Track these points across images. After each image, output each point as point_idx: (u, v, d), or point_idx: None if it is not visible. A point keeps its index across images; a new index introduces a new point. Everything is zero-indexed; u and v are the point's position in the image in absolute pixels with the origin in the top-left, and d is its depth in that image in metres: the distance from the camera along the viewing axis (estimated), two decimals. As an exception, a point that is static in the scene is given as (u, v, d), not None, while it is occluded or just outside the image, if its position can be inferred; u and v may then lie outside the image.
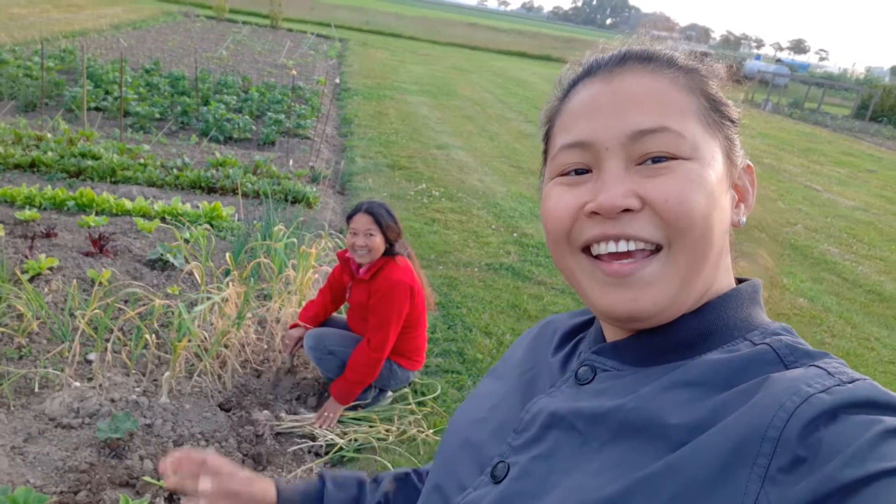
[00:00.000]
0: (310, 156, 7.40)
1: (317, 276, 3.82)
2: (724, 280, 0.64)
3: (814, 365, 0.53)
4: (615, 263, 0.59)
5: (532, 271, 4.97)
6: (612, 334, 0.67)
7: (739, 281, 0.66)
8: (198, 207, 4.98)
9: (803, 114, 23.32)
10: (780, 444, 0.47)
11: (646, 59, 0.63)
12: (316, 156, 7.37)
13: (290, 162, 6.97)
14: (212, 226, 4.71)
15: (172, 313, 3.42)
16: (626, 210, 0.58)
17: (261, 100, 9.38)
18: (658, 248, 0.59)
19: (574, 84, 0.67)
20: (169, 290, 3.71)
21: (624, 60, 0.63)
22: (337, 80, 8.23)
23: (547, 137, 0.71)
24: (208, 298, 3.17)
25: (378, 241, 2.90)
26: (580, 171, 0.62)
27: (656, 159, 0.58)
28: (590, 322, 0.76)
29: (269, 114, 8.54)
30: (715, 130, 0.61)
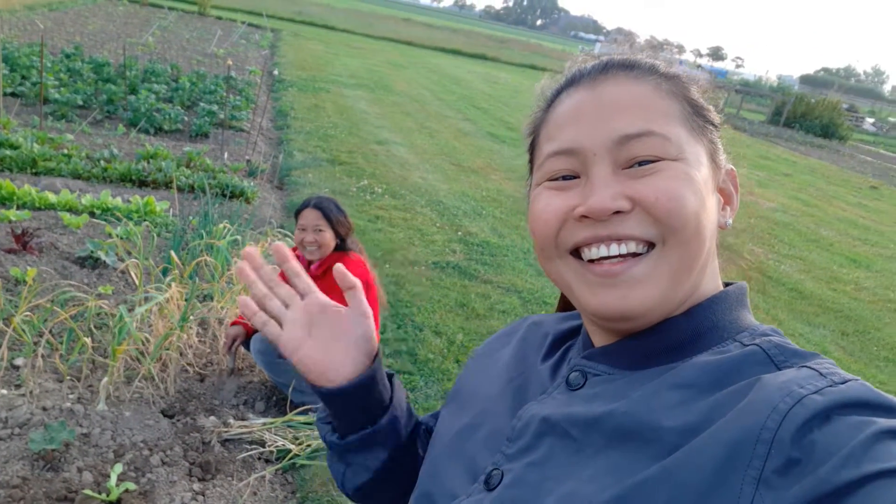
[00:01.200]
0: (245, 149, 7.17)
1: (262, 275, 3.69)
2: (711, 283, 0.64)
3: (805, 366, 0.53)
4: (605, 263, 0.59)
5: (478, 270, 4.97)
6: (600, 339, 0.66)
7: (726, 284, 0.67)
8: (129, 202, 4.72)
9: (724, 118, 24.31)
10: (774, 446, 0.47)
11: (628, 67, 0.63)
12: (252, 149, 7.14)
13: (226, 155, 6.73)
14: (145, 222, 4.48)
15: (107, 314, 3.23)
16: (617, 212, 0.58)
17: (192, 90, 9.01)
18: (650, 247, 0.59)
19: (558, 93, 0.68)
20: (101, 290, 3.50)
21: (607, 69, 0.64)
22: (276, 72, 7.98)
23: (532, 148, 0.71)
24: (147, 299, 3.01)
25: (328, 237, 2.82)
26: (568, 178, 0.63)
27: (643, 162, 0.59)
28: (580, 328, 0.75)
29: (201, 104, 8.22)
30: (699, 134, 0.62)
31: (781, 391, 0.50)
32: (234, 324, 3.10)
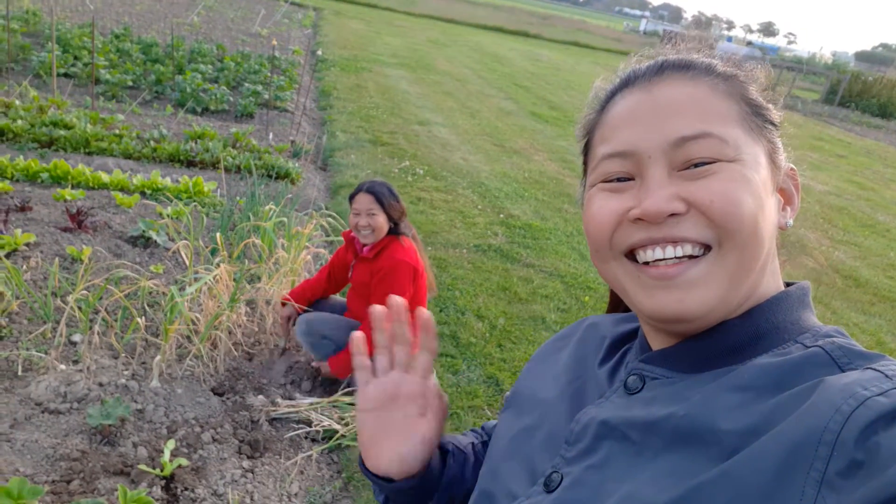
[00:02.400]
0: (290, 129, 7.23)
1: (309, 256, 3.74)
2: (771, 283, 0.63)
3: (870, 367, 0.52)
4: (661, 266, 0.59)
5: (520, 253, 4.94)
6: (657, 342, 0.66)
7: (787, 284, 0.65)
8: (178, 182, 4.82)
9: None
10: (837, 448, 0.47)
11: (684, 68, 0.63)
12: (296, 130, 7.20)
13: (270, 135, 6.80)
14: (193, 202, 4.57)
15: (159, 293, 3.32)
16: (672, 215, 0.58)
17: (237, 70, 9.11)
18: (707, 249, 0.58)
19: (612, 95, 0.67)
20: (153, 269, 3.59)
21: (662, 69, 0.63)
22: (319, 52, 7.99)
23: (586, 149, 0.71)
24: (197, 279, 3.07)
25: (381, 221, 2.84)
26: (623, 179, 0.63)
27: (699, 164, 0.59)
28: (637, 330, 0.75)
29: (245, 84, 8.30)
30: (757, 135, 0.61)
31: (844, 393, 0.49)
32: (284, 301, 3.16)
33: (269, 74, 8.78)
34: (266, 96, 7.92)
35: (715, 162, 0.58)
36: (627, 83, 0.65)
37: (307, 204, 5.08)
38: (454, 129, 8.72)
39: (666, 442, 0.56)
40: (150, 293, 3.30)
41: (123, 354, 2.88)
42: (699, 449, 0.53)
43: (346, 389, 2.93)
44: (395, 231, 2.90)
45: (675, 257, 0.58)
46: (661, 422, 0.57)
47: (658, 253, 0.59)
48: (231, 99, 7.72)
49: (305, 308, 3.12)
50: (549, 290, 4.42)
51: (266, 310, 3.43)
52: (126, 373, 2.79)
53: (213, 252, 3.65)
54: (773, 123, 0.63)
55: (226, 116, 7.32)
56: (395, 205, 2.86)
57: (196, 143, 5.77)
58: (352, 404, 2.92)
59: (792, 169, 0.65)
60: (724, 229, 0.57)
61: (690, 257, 0.58)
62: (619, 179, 0.63)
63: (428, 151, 7.32)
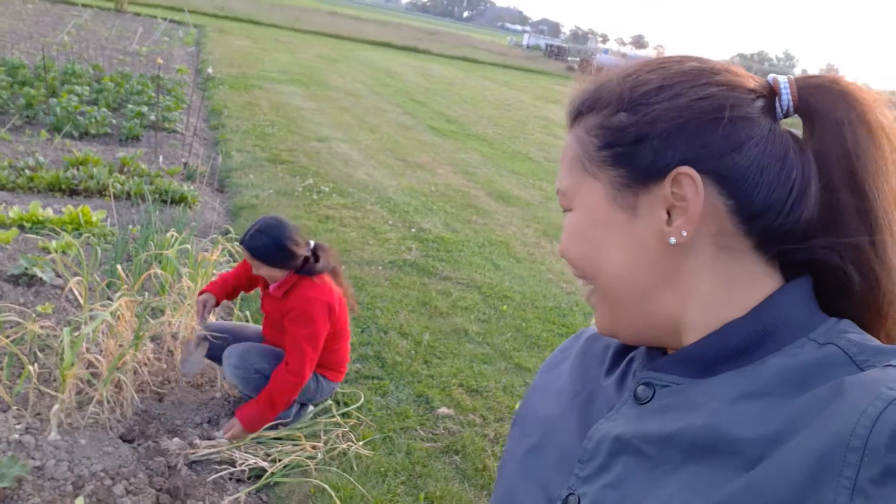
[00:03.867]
0: (181, 151, 6.86)
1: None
2: (757, 287, 0.58)
3: (890, 365, 0.50)
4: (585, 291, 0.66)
5: (436, 266, 4.90)
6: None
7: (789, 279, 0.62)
8: (62, 213, 4.42)
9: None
10: (867, 454, 0.44)
11: (570, 115, 0.66)
12: (188, 151, 6.83)
13: (161, 158, 6.41)
14: (81, 234, 4.20)
15: (50, 336, 3.00)
16: None
17: (117, 90, 8.54)
18: None
19: None
20: (41, 310, 3.25)
21: (569, 122, 0.67)
22: (210, 71, 7.61)
23: None
24: (93, 317, 2.80)
25: (270, 272, 2.69)
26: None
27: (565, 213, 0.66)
28: None
29: (129, 105, 7.80)
30: (597, 169, 0.61)
31: (869, 394, 0.47)
32: (201, 293, 2.93)
33: (153, 95, 8.30)
34: (153, 117, 7.47)
35: (566, 212, 0.64)
36: None
37: (207, 229, 4.81)
38: (355, 145, 8.60)
39: (684, 455, 0.54)
40: (40, 336, 2.98)
41: (15, 407, 2.57)
42: (720, 460, 0.51)
43: (269, 425, 2.76)
44: (302, 270, 2.72)
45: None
46: (678, 434, 0.55)
47: None
48: (114, 121, 7.22)
49: (215, 337, 2.87)
50: (468, 302, 4.40)
51: (174, 344, 3.19)
52: (19, 427, 2.49)
53: (110, 286, 3.36)
54: (623, 144, 0.59)
55: (109, 140, 6.84)
56: (278, 255, 2.63)
57: (78, 169, 5.33)
58: (277, 439, 2.75)
59: (683, 174, 0.56)
60: (582, 274, 0.64)
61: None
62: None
63: (331, 168, 7.16)
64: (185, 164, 6.25)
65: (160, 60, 7.37)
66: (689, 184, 0.56)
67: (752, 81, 0.59)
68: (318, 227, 5.29)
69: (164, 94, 8.93)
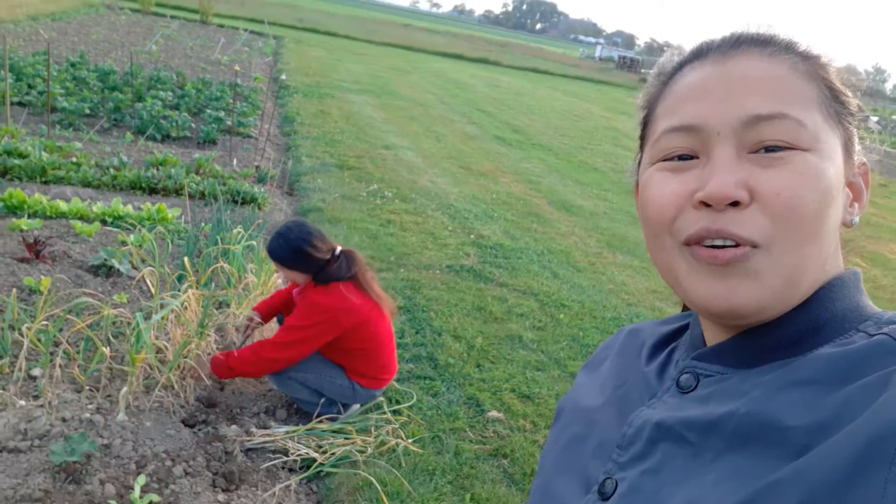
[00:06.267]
0: (254, 155, 7.13)
1: (280, 280, 3.64)
2: (828, 273, 0.59)
3: None
4: (719, 252, 0.54)
5: (493, 273, 4.91)
6: (713, 336, 0.62)
7: None
8: (140, 209, 4.68)
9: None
10: None
11: (763, 43, 0.58)
12: (261, 155, 7.10)
13: (234, 161, 6.69)
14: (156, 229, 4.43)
15: (123, 323, 3.18)
16: (735, 203, 0.53)
17: (198, 96, 8.98)
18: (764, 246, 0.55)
19: (680, 67, 0.62)
20: (116, 298, 3.45)
21: (739, 43, 0.58)
22: (283, 77, 7.91)
23: (645, 123, 0.66)
24: (163, 306, 2.95)
25: (290, 274, 2.79)
26: (684, 157, 0.58)
27: (771, 148, 0.54)
28: (682, 329, 0.71)
29: (207, 111, 8.18)
30: (835, 122, 0.56)
31: None
32: (254, 309, 3.09)
33: (231, 101, 8.68)
34: (229, 122, 7.81)
35: (789, 149, 0.54)
36: (699, 55, 0.60)
37: (275, 228, 4.98)
38: (420, 153, 8.72)
39: (727, 442, 0.52)
40: (114, 323, 3.16)
41: (87, 387, 2.74)
42: (764, 448, 0.50)
43: (323, 416, 2.83)
44: (318, 277, 2.76)
45: (733, 245, 0.53)
46: (721, 421, 0.53)
47: (717, 242, 0.54)
48: (193, 125, 7.59)
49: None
50: (524, 309, 4.39)
51: (236, 336, 3.32)
52: (90, 406, 2.65)
53: (180, 278, 3.53)
54: (851, 112, 0.58)
55: (188, 143, 7.19)
56: (296, 260, 2.70)
57: (158, 169, 5.63)
58: (330, 431, 2.82)
59: (864, 163, 0.60)
60: (785, 226, 0.53)
61: (752, 246, 0.53)
62: (681, 157, 0.58)
63: (395, 175, 7.29)
64: (258, 167, 6.49)
65: (237, 68, 7.71)
66: (865, 175, 0.61)
67: None
68: (380, 230, 5.40)
69: (240, 101, 9.31)
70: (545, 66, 34.53)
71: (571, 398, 0.75)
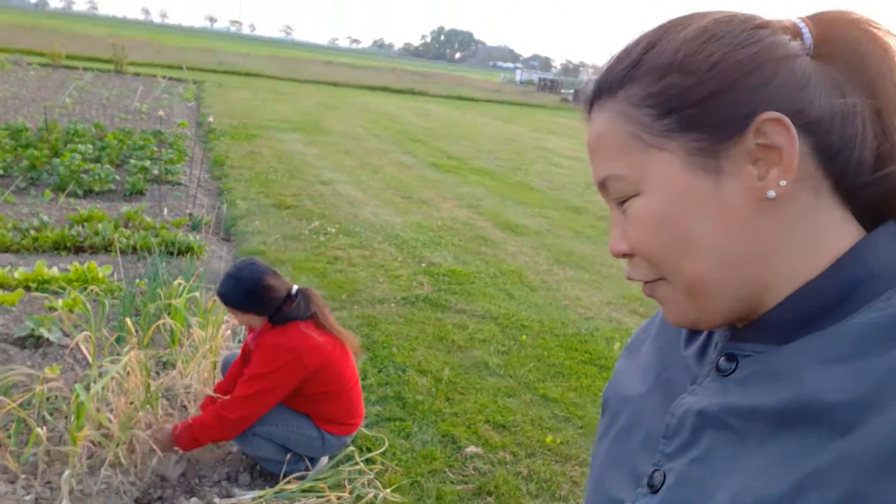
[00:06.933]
0: (185, 202, 6.83)
1: (229, 331, 3.41)
2: (835, 239, 0.54)
3: None
4: (644, 287, 0.61)
5: (449, 300, 4.79)
6: None
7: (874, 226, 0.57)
8: (67, 270, 4.35)
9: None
10: None
11: (596, 96, 0.60)
12: (193, 202, 6.80)
13: (165, 211, 6.38)
14: (87, 290, 4.11)
15: (58, 398, 2.89)
16: (625, 254, 0.60)
17: (120, 147, 8.58)
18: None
19: None
20: (49, 371, 3.14)
21: (591, 103, 0.61)
22: (211, 120, 7.61)
23: None
24: (102, 374, 2.69)
25: (245, 318, 2.57)
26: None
27: (619, 203, 0.59)
28: None
29: (132, 161, 7.81)
30: (664, 139, 0.55)
31: None
32: (209, 398, 2.77)
33: (156, 149, 8.33)
34: (156, 171, 7.47)
35: (625, 201, 0.57)
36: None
37: (216, 277, 4.72)
38: (359, 186, 8.57)
39: (771, 426, 0.51)
40: (49, 399, 2.87)
41: (23, 476, 2.44)
42: (808, 429, 0.49)
43: (290, 476, 2.62)
44: (275, 319, 2.55)
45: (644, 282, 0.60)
46: (763, 406, 0.52)
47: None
48: (117, 177, 7.22)
49: None
50: (486, 334, 4.28)
51: (187, 398, 3.07)
52: (28, 498, 2.36)
53: (119, 341, 3.26)
54: (689, 105, 0.54)
55: (113, 196, 6.82)
56: (247, 301, 2.51)
57: (83, 226, 5.28)
58: (300, 491, 2.61)
59: (773, 119, 0.51)
60: (658, 266, 0.57)
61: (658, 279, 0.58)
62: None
63: (336, 210, 7.11)
64: (190, 214, 6.21)
65: (161, 113, 7.40)
66: (778, 129, 0.52)
67: (777, 23, 0.56)
68: (328, 268, 5.21)
69: (166, 148, 8.97)
70: (469, 92, 35.07)
71: (614, 387, 0.74)
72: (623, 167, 0.56)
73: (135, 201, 6.66)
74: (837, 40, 0.55)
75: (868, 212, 0.56)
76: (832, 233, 0.54)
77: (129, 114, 12.88)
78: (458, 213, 7.72)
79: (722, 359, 0.59)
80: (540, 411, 3.43)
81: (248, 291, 2.51)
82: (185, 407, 3.06)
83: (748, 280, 0.55)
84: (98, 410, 2.64)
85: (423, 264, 5.55)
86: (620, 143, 0.57)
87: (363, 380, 3.43)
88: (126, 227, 5.55)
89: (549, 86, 49.57)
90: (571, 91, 42.74)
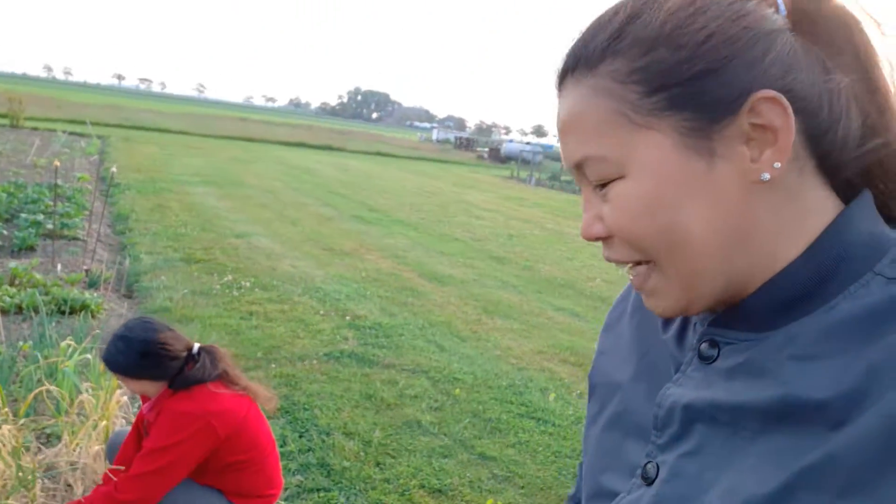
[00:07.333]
0: (82, 258, 6.26)
1: (125, 398, 2.99)
2: (818, 218, 0.53)
3: None
4: (630, 276, 0.58)
5: (376, 354, 4.49)
6: None
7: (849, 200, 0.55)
8: (-66, 333, 3.78)
9: (562, 185, 26.08)
10: None
11: (571, 69, 0.56)
12: (91, 257, 6.25)
13: (59, 267, 5.80)
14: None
15: None
16: (599, 237, 0.57)
17: (10, 201, 7.88)
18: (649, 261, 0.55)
19: None
20: None
21: (563, 76, 0.57)
22: (114, 170, 7.08)
23: None
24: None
25: (140, 386, 2.18)
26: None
27: (599, 185, 0.55)
28: None
29: (22, 215, 7.17)
30: (652, 118, 0.52)
31: None
32: (108, 474, 2.33)
33: (50, 203, 7.69)
34: (49, 226, 6.86)
35: (606, 184, 0.54)
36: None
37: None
38: (276, 238, 8.19)
39: (760, 422, 0.50)
40: None
41: None
42: (798, 426, 0.48)
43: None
44: (175, 384, 2.18)
45: (630, 268, 0.57)
46: (749, 404, 0.51)
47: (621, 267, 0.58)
48: (5, 233, 6.57)
49: None
50: (417, 389, 4.00)
51: (73, 477, 2.62)
52: None
53: (-10, 413, 2.78)
54: (682, 81, 0.50)
55: (-1, 253, 6.17)
56: (144, 364, 2.13)
57: (-42, 285, 4.68)
58: (209, 580, 2.21)
59: (768, 97, 0.49)
60: (644, 251, 0.54)
61: (641, 263, 0.56)
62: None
63: (251, 263, 6.71)
64: (87, 270, 5.67)
65: (57, 163, 6.81)
66: (773, 109, 0.50)
67: None
68: (241, 324, 4.81)
69: (62, 202, 8.32)
70: (388, 149, 35.33)
71: (601, 369, 0.72)
72: (605, 147, 0.53)
73: (24, 257, 6.04)
74: (812, 13, 0.52)
75: (848, 183, 0.54)
76: (815, 212, 0.53)
77: (23, 168, 12.02)
78: (383, 263, 7.47)
79: (704, 344, 0.57)
80: (478, 471, 3.17)
81: (141, 354, 2.11)
82: (69, 486, 2.61)
83: (738, 264, 0.53)
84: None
85: (348, 317, 5.24)
86: (602, 121, 0.53)
87: (281, 447, 3.07)
88: (12, 284, 4.98)
89: (466, 144, 51.00)
90: (486, 149, 43.94)
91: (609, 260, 0.57)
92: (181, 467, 2.13)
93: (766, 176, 0.50)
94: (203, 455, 2.16)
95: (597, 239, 0.57)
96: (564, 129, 0.56)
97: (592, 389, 0.73)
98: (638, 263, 0.56)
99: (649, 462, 0.58)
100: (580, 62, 0.54)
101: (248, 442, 2.26)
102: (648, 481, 0.57)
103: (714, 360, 0.56)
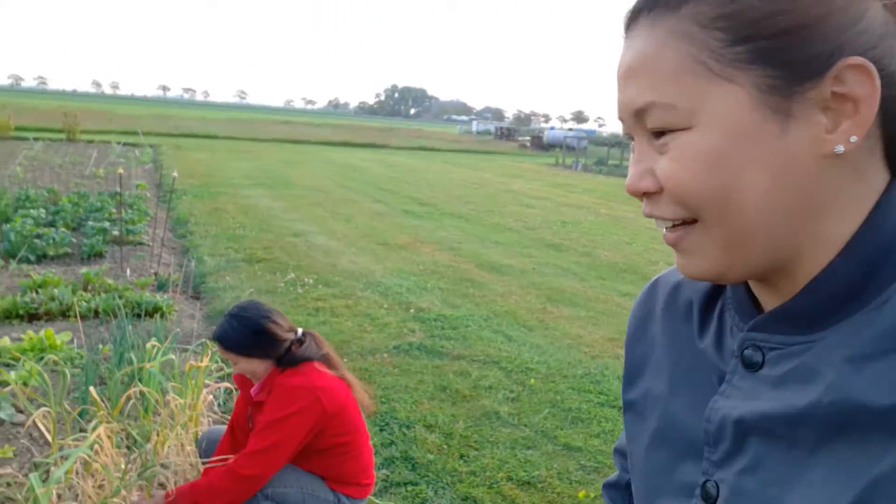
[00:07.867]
0: (149, 262, 6.40)
1: (210, 396, 3.01)
2: (860, 207, 0.49)
3: None
4: (666, 231, 0.54)
5: (445, 346, 4.45)
6: (763, 296, 0.56)
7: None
8: (21, 339, 3.89)
9: (610, 169, 25.66)
10: None
11: (647, 8, 0.52)
12: (157, 261, 6.38)
13: (128, 272, 5.94)
14: (44, 360, 3.66)
15: (13, 484, 2.44)
16: (647, 193, 0.53)
17: (75, 210, 8.13)
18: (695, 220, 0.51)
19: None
20: (0, 455, 2.69)
21: (635, 16, 0.53)
22: (175, 175, 7.23)
23: None
24: (64, 456, 2.27)
25: (249, 365, 2.21)
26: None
27: (658, 134, 0.51)
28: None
29: (89, 223, 7.38)
30: (733, 70, 0.47)
31: None
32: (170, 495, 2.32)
33: (114, 210, 7.90)
34: (116, 232, 7.05)
35: (671, 132, 0.50)
36: (626, 28, 0.55)
37: (187, 338, 4.31)
38: (332, 236, 8.24)
39: (818, 433, 0.47)
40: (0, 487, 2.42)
41: (-34, 588, 2.00)
42: (861, 435, 0.45)
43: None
44: (283, 362, 2.22)
45: (670, 226, 0.53)
46: (804, 414, 0.48)
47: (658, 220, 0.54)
48: (74, 241, 6.77)
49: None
50: (491, 381, 3.94)
51: (165, 476, 2.64)
52: None
53: (83, 415, 2.83)
54: (773, 34, 0.47)
55: (69, 260, 6.35)
56: (257, 341, 2.18)
57: (38, 292, 4.83)
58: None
59: (856, 64, 0.46)
60: (693, 209, 0.50)
61: (686, 223, 0.52)
62: (631, 138, 0.55)
63: (312, 260, 6.75)
64: (156, 273, 5.79)
65: (121, 170, 6.99)
66: (860, 78, 0.46)
67: None
68: (309, 320, 4.83)
69: (125, 209, 8.54)
70: (430, 143, 35.38)
71: (635, 384, 0.69)
72: (677, 95, 0.49)
73: (94, 263, 6.21)
74: None
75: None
76: (876, 196, 0.50)
77: (84, 178, 12.42)
78: (439, 256, 7.43)
79: (748, 350, 0.55)
80: (566, 462, 3.08)
81: (255, 332, 2.17)
82: (162, 485, 2.63)
83: (790, 237, 0.50)
84: (61, 498, 2.21)
85: (412, 310, 5.21)
86: (678, 67, 0.49)
87: (366, 440, 3.05)
88: (86, 290, 5.11)
89: (507, 134, 50.67)
90: (528, 138, 43.59)
91: (650, 216, 0.54)
92: (293, 441, 2.15)
93: (840, 148, 0.47)
94: (312, 431, 2.18)
95: (644, 194, 0.53)
96: (630, 73, 0.52)
97: (629, 405, 0.69)
98: (682, 223, 0.52)
99: (707, 480, 0.56)
100: (660, 1, 0.51)
101: (350, 424, 2.27)
102: (710, 501, 0.55)
103: (760, 367, 0.53)
